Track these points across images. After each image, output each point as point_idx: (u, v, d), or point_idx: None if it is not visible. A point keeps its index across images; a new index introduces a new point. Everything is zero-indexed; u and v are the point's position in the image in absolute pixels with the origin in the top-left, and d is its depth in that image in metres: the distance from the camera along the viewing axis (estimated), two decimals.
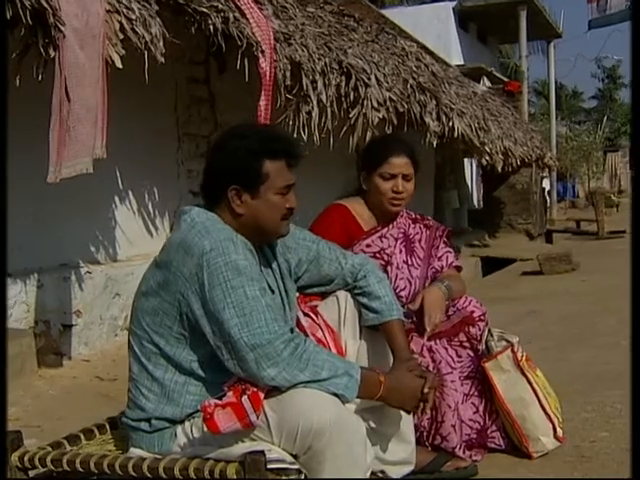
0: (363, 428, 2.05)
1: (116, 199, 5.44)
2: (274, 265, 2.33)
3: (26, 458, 2.22)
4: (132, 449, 2.20)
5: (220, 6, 4.41)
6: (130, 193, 5.59)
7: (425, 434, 2.79)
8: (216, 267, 1.99)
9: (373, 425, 2.40)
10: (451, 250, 3.15)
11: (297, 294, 2.48)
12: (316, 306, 2.48)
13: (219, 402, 1.93)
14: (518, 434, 2.79)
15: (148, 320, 2.13)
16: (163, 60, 3.92)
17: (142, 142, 5.60)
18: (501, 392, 2.77)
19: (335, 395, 1.97)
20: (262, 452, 1.92)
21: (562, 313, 6.10)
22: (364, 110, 6.05)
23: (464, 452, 2.77)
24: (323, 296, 2.51)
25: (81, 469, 2.16)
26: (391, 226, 3.05)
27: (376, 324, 2.41)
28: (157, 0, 3.93)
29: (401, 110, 6.56)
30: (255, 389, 1.95)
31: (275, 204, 2.15)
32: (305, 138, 5.46)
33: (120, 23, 3.53)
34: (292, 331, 2.02)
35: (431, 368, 2.77)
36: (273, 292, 2.27)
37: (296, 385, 1.94)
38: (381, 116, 6.22)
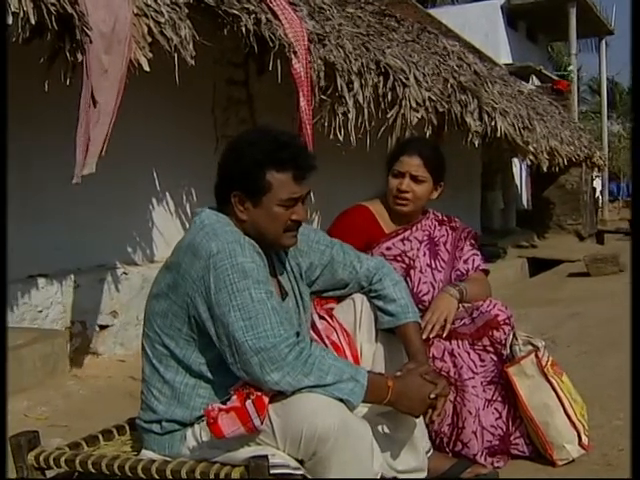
0: (369, 434, 2.01)
1: (153, 200, 5.48)
2: (288, 267, 2.31)
3: (41, 458, 2.25)
4: (144, 451, 2.21)
5: (252, 8, 4.40)
6: (167, 194, 5.62)
7: (445, 440, 2.73)
8: (222, 270, 1.97)
9: (387, 431, 2.36)
10: (477, 253, 3.08)
11: (313, 297, 2.46)
12: (332, 309, 2.46)
13: (223, 406, 1.92)
14: (542, 441, 2.71)
15: (159, 322, 2.13)
16: (193, 62, 3.93)
17: (179, 143, 5.63)
18: (524, 398, 2.70)
19: (341, 400, 1.95)
20: (265, 457, 1.91)
21: (604, 316, 5.94)
22: (402, 110, 6.00)
23: (485, 459, 2.70)
24: (339, 299, 2.48)
25: (93, 470, 2.17)
26: (415, 228, 3.00)
27: (392, 327, 2.37)
28: (187, 3, 3.95)
29: (441, 110, 6.49)
30: (259, 393, 1.93)
31: (277, 216, 2.12)
32: (342, 138, 5.45)
33: (148, 26, 3.55)
34: (298, 335, 1.99)
35: (452, 373, 2.72)
36: (287, 294, 2.26)
37: (301, 390, 1.92)
38: (420, 116, 6.16)
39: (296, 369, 1.91)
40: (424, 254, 2.96)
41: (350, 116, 5.45)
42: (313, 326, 2.38)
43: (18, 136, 4.36)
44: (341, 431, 1.90)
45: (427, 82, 6.42)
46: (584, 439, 2.74)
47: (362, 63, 5.61)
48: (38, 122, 4.42)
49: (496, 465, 2.72)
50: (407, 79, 5.97)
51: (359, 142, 5.64)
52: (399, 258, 2.93)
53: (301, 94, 4.72)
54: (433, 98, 6.39)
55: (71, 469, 2.22)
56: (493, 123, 7.32)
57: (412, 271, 2.93)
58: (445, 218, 3.10)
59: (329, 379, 1.93)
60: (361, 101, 5.52)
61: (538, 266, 10.42)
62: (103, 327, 4.75)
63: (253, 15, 4.40)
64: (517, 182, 15.00)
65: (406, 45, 6.94)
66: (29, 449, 2.28)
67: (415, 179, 2.89)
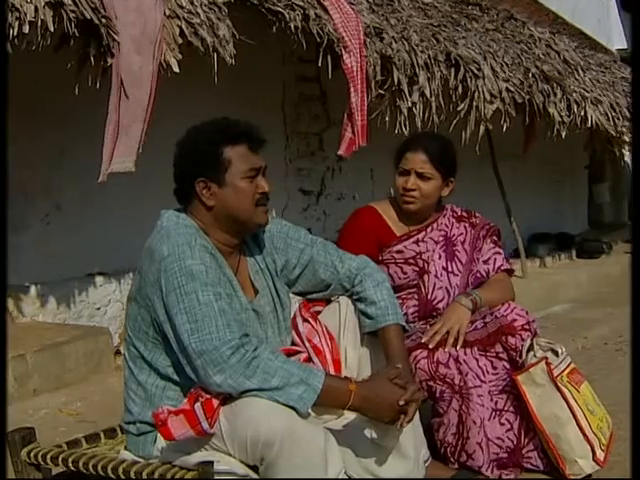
0: (320, 439, 1.96)
1: None
2: (262, 265, 2.31)
3: (32, 455, 2.34)
4: (122, 451, 2.27)
5: (300, 3, 4.39)
6: None
7: (451, 450, 2.63)
8: (172, 272, 2.00)
9: (374, 436, 2.30)
10: (500, 251, 2.94)
11: (301, 299, 2.45)
12: (318, 312, 2.42)
13: (172, 409, 1.94)
14: (553, 454, 2.57)
15: (131, 325, 2.19)
16: (233, 62, 3.95)
17: None
18: (534, 408, 2.56)
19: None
20: (212, 463, 1.91)
21: None
22: (475, 103, 5.85)
23: (492, 471, 2.58)
24: (327, 302, 2.44)
25: (73, 468, 2.24)
26: (430, 229, 2.90)
27: (373, 331, 2.32)
28: (227, 2, 3.98)
29: (520, 101, 6.27)
30: (209, 396, 1.94)
31: (243, 189, 2.13)
32: (407, 133, 5.35)
33: (180, 28, 3.61)
34: (247, 336, 1.98)
35: (457, 380, 2.61)
36: (258, 292, 2.25)
37: (245, 393, 1.91)
38: (495, 108, 5.98)
39: (238, 372, 1.90)
40: (439, 256, 2.86)
41: (416, 110, 5.36)
42: (296, 329, 2.35)
43: (78, 139, 4.55)
44: (287, 437, 1.87)
45: (505, 72, 6.21)
46: (599, 454, 2.57)
47: (429, 55, 5.50)
48: (98, 123, 4.57)
49: (504, 478, 2.60)
50: (479, 70, 5.80)
51: None
52: (411, 261, 2.85)
53: (352, 89, 4.67)
54: (511, 89, 6.17)
55: (55, 466, 2.31)
56: (583, 113, 7.00)
57: (426, 276, 2.84)
58: (465, 214, 2.98)
59: (275, 382, 1.91)
60: (428, 94, 5.41)
61: None
62: None
63: (301, 11, 4.38)
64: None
65: (486, 34, 6.74)
66: (23, 445, 2.37)
67: (421, 176, 2.80)
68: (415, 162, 2.79)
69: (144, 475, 2.04)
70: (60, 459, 2.26)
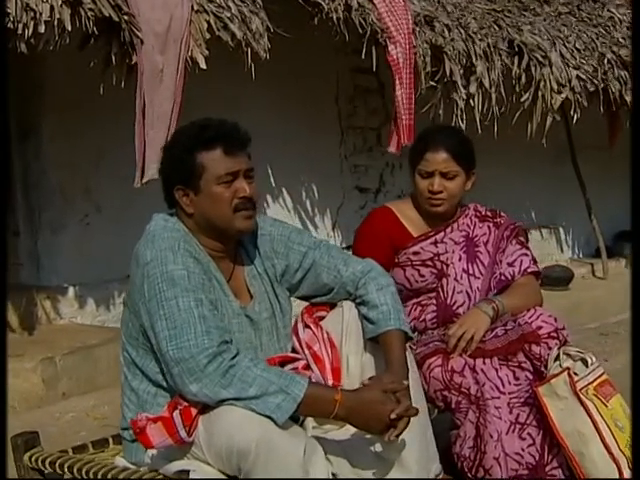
0: (299, 450, 1.97)
1: (267, 197, 5.60)
2: (261, 269, 2.33)
3: (33, 459, 2.44)
4: (117, 457, 2.34)
5: None
6: (284, 190, 5.74)
7: (468, 465, 2.58)
8: (153, 278, 2.05)
9: (379, 449, 2.29)
10: (527, 252, 2.89)
11: (304, 303, 2.47)
12: (322, 318, 2.43)
13: (151, 416, 2.00)
14: (577, 472, 2.50)
15: (124, 330, 2.26)
16: (268, 56, 4.00)
17: (296, 137, 5.70)
18: (556, 422, 2.49)
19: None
20: (187, 472, 1.96)
21: None
22: (541, 92, 5.74)
23: None
24: (331, 307, 2.45)
25: (69, 473, 2.34)
26: (450, 229, 2.86)
27: (375, 336, 2.31)
28: None
29: (592, 90, 6.11)
30: (187, 404, 1.99)
31: (218, 196, 2.14)
32: (464, 126, 5.29)
33: (208, 23, 3.67)
34: (227, 343, 2.00)
35: (473, 390, 2.58)
36: (252, 297, 2.29)
37: (223, 402, 1.94)
38: (563, 98, 5.85)
39: (214, 381, 1.94)
40: (459, 258, 2.82)
41: (473, 102, 5.30)
42: (297, 335, 2.37)
43: (117, 140, 4.67)
44: (262, 446, 1.90)
45: (575, 59, 6.07)
46: (626, 473, 2.48)
47: (488, 43, 5.43)
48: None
49: None
50: (544, 57, 5.69)
51: (486, 129, 5.43)
52: (429, 263, 2.82)
53: (397, 83, 4.66)
54: (582, 77, 6.03)
55: (54, 471, 2.40)
56: None
57: (445, 279, 2.81)
58: (489, 213, 2.93)
59: (252, 391, 1.94)
60: (487, 85, 5.35)
61: None
62: None
63: (342, 1, 4.39)
64: None
65: (557, 19, 6.60)
66: (25, 449, 2.48)
67: (446, 176, 2.77)
68: (438, 162, 2.75)
69: None
70: (57, 464, 2.35)
